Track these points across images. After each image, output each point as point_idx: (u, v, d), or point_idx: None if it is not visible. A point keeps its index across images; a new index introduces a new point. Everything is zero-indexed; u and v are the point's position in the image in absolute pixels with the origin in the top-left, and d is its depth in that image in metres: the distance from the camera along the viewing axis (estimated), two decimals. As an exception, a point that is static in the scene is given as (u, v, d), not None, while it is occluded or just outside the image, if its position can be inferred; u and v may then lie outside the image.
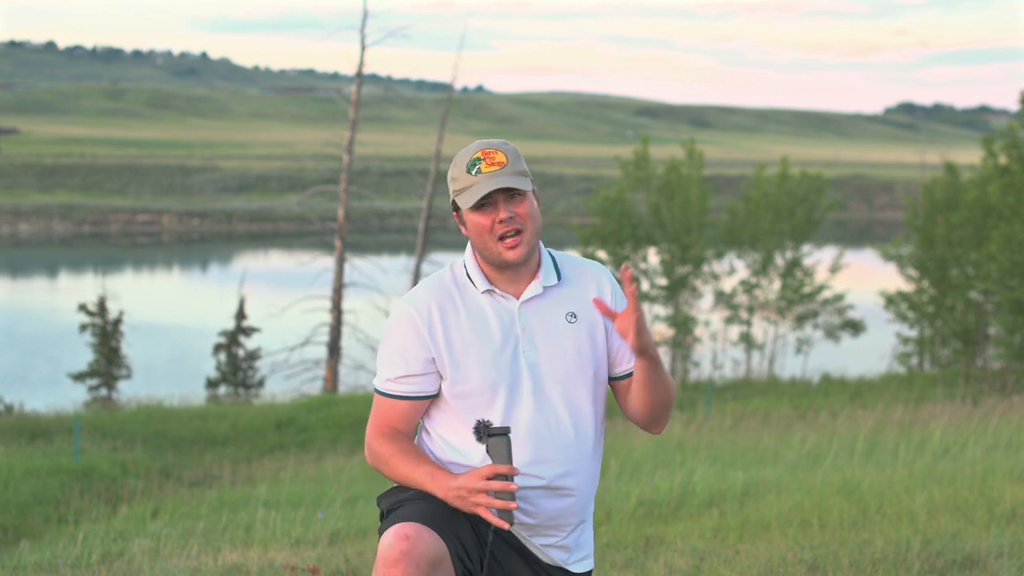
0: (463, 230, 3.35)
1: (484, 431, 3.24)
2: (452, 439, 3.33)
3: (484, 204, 3.28)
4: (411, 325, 3.31)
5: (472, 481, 3.13)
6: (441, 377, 3.32)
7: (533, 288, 3.34)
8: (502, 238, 3.28)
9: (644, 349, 3.21)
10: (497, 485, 3.11)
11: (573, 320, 3.35)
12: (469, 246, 3.38)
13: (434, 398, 3.35)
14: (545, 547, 3.34)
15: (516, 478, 3.23)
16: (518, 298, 3.34)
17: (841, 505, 6.70)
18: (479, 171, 3.27)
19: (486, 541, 3.23)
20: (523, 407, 3.29)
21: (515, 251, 3.28)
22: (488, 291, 3.34)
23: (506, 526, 3.13)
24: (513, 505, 3.12)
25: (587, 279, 3.41)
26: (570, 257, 3.46)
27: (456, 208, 3.34)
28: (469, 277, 3.36)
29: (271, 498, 9.85)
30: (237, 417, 18.69)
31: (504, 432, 3.15)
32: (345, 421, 18.44)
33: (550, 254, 3.42)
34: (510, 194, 3.28)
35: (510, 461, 3.14)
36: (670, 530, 6.51)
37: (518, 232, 3.28)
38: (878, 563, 5.10)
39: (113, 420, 17.85)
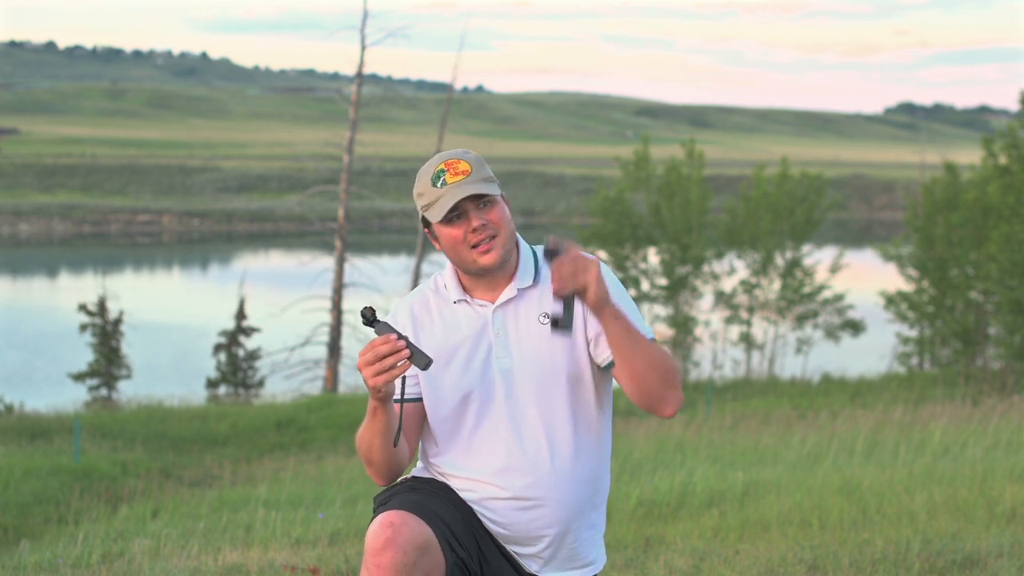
0: (436, 246, 3.29)
1: (370, 317, 3.04)
2: (443, 467, 3.30)
3: (454, 216, 3.21)
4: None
5: (361, 355, 3.02)
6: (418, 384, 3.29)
7: (507, 292, 3.28)
8: (475, 245, 3.21)
9: (598, 303, 3.06)
10: (385, 349, 3.00)
11: (545, 320, 3.26)
12: None
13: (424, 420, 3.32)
14: (524, 557, 3.29)
15: (484, 488, 3.23)
16: (494, 304, 3.29)
17: (841, 505, 6.69)
18: (444, 183, 3.19)
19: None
20: (494, 415, 3.24)
21: (489, 255, 3.21)
22: (461, 300, 3.29)
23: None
24: (406, 354, 3.00)
25: None
26: None
27: (427, 224, 3.27)
28: (447, 287, 3.33)
29: (271, 498, 9.84)
30: (237, 417, 18.68)
31: (376, 320, 3.03)
32: (345, 421, 18.42)
33: (533, 253, 3.34)
34: (479, 201, 3.21)
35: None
36: (670, 530, 6.51)
37: (492, 238, 3.21)
38: (878, 563, 5.10)
39: (113, 420, 17.85)
